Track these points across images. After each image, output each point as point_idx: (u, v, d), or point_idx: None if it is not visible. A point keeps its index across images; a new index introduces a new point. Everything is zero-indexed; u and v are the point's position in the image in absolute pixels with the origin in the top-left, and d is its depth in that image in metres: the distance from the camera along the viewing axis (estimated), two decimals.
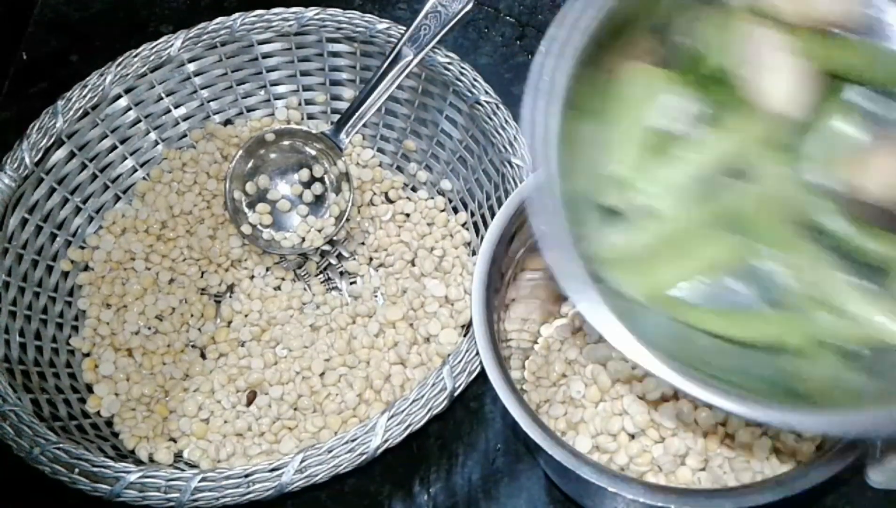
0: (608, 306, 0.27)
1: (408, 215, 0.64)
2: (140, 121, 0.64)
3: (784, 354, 0.28)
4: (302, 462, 0.45)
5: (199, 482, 0.45)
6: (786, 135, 0.29)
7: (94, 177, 0.63)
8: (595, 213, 0.30)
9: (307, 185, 0.62)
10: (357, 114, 0.58)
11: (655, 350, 0.27)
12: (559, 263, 0.27)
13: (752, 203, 0.28)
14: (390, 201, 0.65)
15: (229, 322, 0.60)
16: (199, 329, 0.60)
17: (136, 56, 0.61)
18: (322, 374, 0.56)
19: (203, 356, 0.59)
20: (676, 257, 0.29)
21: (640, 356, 0.27)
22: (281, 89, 0.67)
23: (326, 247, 0.62)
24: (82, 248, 0.62)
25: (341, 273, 0.63)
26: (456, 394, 0.47)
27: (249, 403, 0.56)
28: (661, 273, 0.29)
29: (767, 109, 0.29)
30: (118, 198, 0.65)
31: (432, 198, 0.64)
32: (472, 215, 0.62)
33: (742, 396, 0.26)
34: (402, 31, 0.57)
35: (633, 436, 0.47)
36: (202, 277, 0.62)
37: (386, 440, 0.45)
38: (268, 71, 0.66)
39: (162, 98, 0.64)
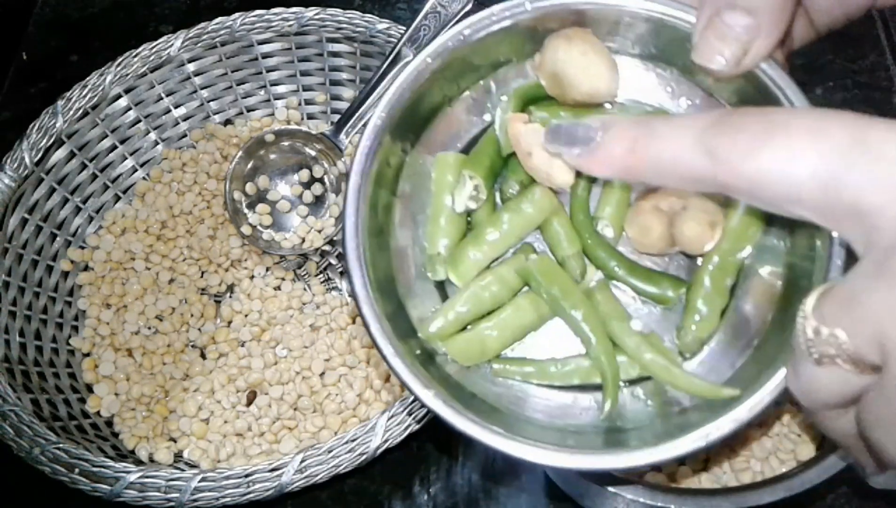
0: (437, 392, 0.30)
1: None
2: (140, 121, 0.64)
3: (597, 392, 0.33)
4: (302, 462, 0.45)
5: (199, 482, 0.45)
6: (575, 199, 0.35)
7: (94, 177, 0.63)
8: (435, 291, 0.34)
9: (307, 185, 0.62)
10: (357, 114, 0.58)
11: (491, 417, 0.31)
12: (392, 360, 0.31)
13: (550, 268, 0.33)
14: None
15: (229, 322, 0.60)
16: (199, 329, 0.60)
17: (136, 56, 0.61)
18: (322, 374, 0.56)
19: (203, 356, 0.59)
20: (495, 328, 0.33)
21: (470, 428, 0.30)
22: (281, 89, 0.67)
23: (326, 247, 0.62)
24: (82, 248, 0.62)
25: (341, 273, 0.63)
26: None
27: (249, 403, 0.56)
28: (485, 344, 0.33)
29: (553, 186, 0.33)
30: (118, 198, 0.65)
31: None
32: None
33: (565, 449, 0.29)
34: (402, 31, 0.57)
35: None
36: (202, 277, 0.62)
37: (386, 440, 0.45)
38: (268, 71, 0.66)
39: (162, 98, 0.64)
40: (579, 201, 0.34)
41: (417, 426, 0.46)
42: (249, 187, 0.61)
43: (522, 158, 0.33)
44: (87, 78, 0.60)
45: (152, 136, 0.65)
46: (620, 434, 0.31)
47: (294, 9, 0.62)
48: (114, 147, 0.63)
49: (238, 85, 0.66)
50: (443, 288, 0.34)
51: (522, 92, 0.35)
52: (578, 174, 0.34)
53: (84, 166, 0.62)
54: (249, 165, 0.61)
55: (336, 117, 0.65)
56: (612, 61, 0.33)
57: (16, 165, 0.57)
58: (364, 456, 0.45)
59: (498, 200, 0.35)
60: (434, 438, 0.55)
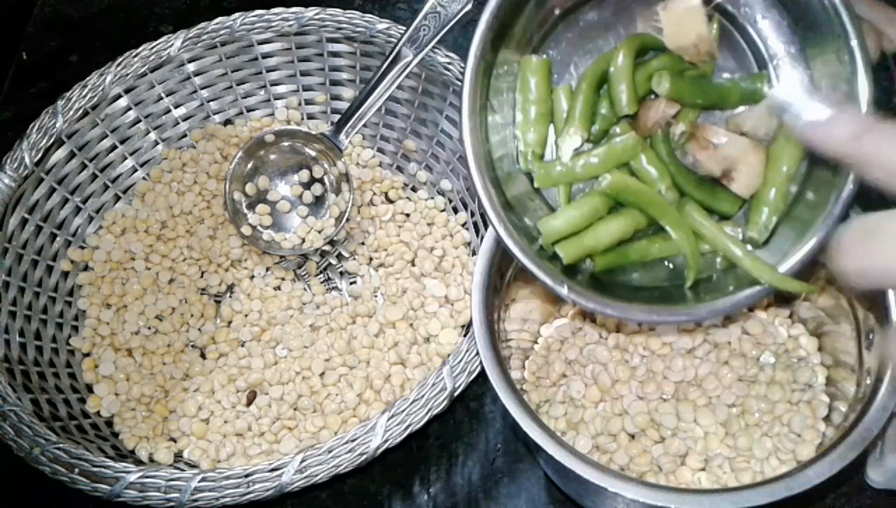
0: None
1: (408, 215, 0.64)
2: (140, 121, 0.64)
3: (679, 262, 0.43)
4: (302, 462, 0.45)
5: (199, 482, 0.45)
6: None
7: (94, 177, 0.63)
8: (537, 204, 0.43)
9: (307, 186, 0.62)
10: (357, 114, 0.58)
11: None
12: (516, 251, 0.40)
13: (636, 183, 0.41)
14: (390, 201, 0.65)
15: (229, 322, 0.60)
16: (199, 329, 0.60)
17: (136, 56, 0.61)
18: (322, 374, 0.56)
19: (203, 356, 0.59)
20: (595, 233, 0.42)
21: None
22: (281, 89, 0.67)
23: (326, 247, 0.62)
24: (82, 248, 0.62)
25: (341, 273, 0.63)
26: (456, 394, 0.47)
27: (249, 403, 0.56)
28: (587, 246, 0.42)
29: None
30: (118, 198, 0.65)
31: (432, 198, 0.64)
32: (472, 214, 0.62)
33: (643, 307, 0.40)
34: (402, 31, 0.57)
35: (633, 436, 0.47)
36: (202, 277, 0.62)
37: (386, 440, 0.45)
38: (268, 71, 0.66)
39: (162, 98, 0.64)
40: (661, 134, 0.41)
41: (417, 426, 0.46)
42: (249, 188, 0.61)
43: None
44: (87, 78, 0.60)
45: (152, 136, 0.65)
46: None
47: (294, 9, 0.62)
48: (114, 147, 0.63)
49: (238, 85, 0.66)
50: (543, 198, 0.43)
51: (639, 42, 0.41)
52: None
53: (84, 166, 0.62)
54: (249, 166, 0.61)
55: (336, 117, 0.65)
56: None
57: (16, 165, 0.57)
58: (364, 456, 0.45)
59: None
60: (434, 438, 0.55)
